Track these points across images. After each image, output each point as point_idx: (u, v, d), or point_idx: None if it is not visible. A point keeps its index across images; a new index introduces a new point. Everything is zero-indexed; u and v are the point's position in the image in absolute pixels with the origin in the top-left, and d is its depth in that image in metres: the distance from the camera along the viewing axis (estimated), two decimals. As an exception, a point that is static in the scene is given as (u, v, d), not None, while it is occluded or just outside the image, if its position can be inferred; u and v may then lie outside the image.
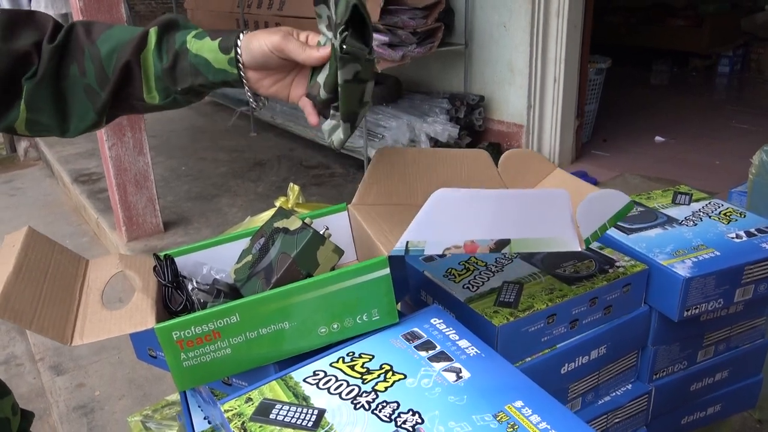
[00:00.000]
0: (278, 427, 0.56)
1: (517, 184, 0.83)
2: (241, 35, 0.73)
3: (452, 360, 0.62)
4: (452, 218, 0.64)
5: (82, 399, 2.14)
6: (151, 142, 3.03)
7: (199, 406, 0.82)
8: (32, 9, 3.41)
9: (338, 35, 0.61)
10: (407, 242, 0.63)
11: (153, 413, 1.51)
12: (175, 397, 1.39)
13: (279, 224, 0.70)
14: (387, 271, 0.64)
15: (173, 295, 0.67)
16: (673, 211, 1.02)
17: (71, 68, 0.74)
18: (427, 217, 0.63)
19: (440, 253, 0.64)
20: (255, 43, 0.72)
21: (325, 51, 0.68)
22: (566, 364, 0.84)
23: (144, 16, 10.47)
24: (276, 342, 0.63)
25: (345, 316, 0.65)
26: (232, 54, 0.72)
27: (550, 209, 0.66)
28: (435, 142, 3.66)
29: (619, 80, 5.19)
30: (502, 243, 0.65)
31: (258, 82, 0.75)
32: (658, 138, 4.20)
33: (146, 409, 1.53)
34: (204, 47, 0.73)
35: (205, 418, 0.80)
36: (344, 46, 0.60)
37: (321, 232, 0.67)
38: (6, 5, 3.39)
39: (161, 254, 0.72)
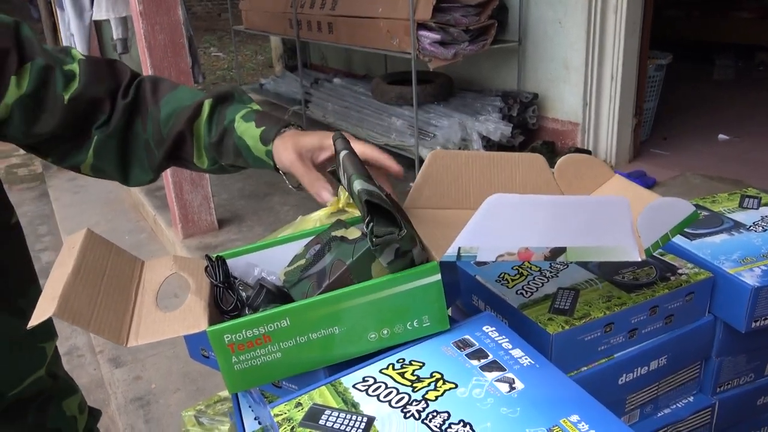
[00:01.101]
0: (327, 434, 0.56)
1: (574, 190, 0.80)
2: (283, 130, 0.75)
3: (505, 370, 0.60)
4: (506, 224, 0.62)
5: (139, 391, 2.20)
6: (206, 141, 3.09)
7: (249, 407, 0.82)
8: (93, 18, 3.54)
9: (366, 227, 0.61)
10: (459, 248, 0.61)
11: (206, 408, 1.54)
12: (228, 393, 1.41)
13: (337, 233, 0.70)
14: (438, 277, 0.63)
15: (224, 295, 0.68)
16: (741, 216, 0.97)
17: (137, 124, 0.79)
18: (480, 222, 0.61)
19: (493, 259, 0.62)
20: (284, 154, 0.74)
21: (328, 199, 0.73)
22: (624, 375, 0.81)
23: (200, 17, 10.73)
24: (326, 347, 0.63)
25: (395, 322, 0.64)
26: (270, 147, 0.75)
27: (609, 217, 0.63)
28: (487, 141, 3.61)
29: (681, 76, 5.01)
30: (558, 251, 0.63)
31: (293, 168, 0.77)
32: (721, 136, 4.03)
33: (199, 404, 1.56)
34: (247, 132, 0.76)
35: (255, 419, 0.81)
36: (374, 239, 0.60)
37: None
38: (70, 11, 3.52)
39: (213, 255, 0.72)
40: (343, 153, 0.68)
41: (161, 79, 0.82)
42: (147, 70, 2.81)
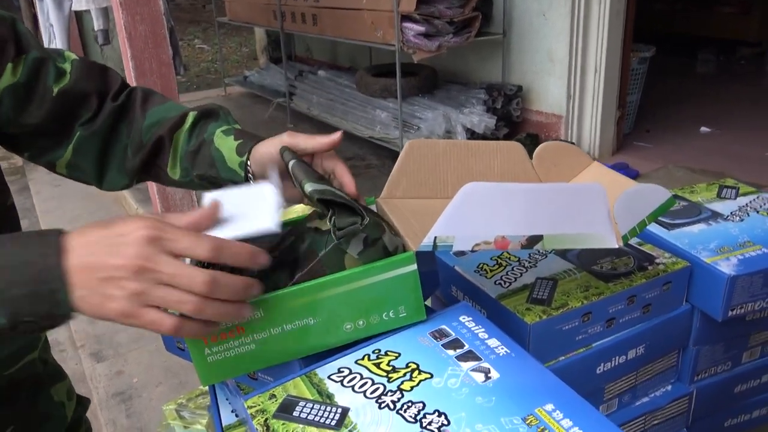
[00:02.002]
0: (301, 425, 0.55)
1: (552, 177, 0.80)
2: (257, 143, 0.75)
3: (481, 360, 0.60)
4: (482, 213, 0.62)
5: (121, 386, 2.19)
6: (188, 133, 3.06)
7: (227, 399, 0.82)
8: (73, 8, 3.49)
9: (329, 222, 0.61)
10: (435, 237, 0.61)
11: (187, 402, 1.53)
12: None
13: (312, 224, 0.69)
14: (414, 267, 0.62)
15: None
16: (718, 206, 0.98)
17: (121, 129, 0.81)
18: (456, 211, 0.61)
19: (469, 249, 0.62)
20: (262, 149, 0.74)
21: (336, 135, 0.72)
22: (602, 364, 0.81)
23: (184, 9, 10.63)
24: (301, 338, 0.62)
25: (371, 313, 0.63)
26: (244, 158, 0.75)
27: (586, 204, 0.63)
28: (471, 133, 3.62)
29: (664, 69, 5.04)
30: (534, 239, 0.62)
31: None
32: (703, 129, 4.07)
33: (181, 398, 1.55)
34: (225, 144, 0.77)
35: (232, 411, 0.80)
36: (337, 231, 0.60)
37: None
38: (49, 1, 3.47)
39: None
40: (291, 163, 0.68)
41: (154, 92, 0.84)
42: (127, 62, 2.77)
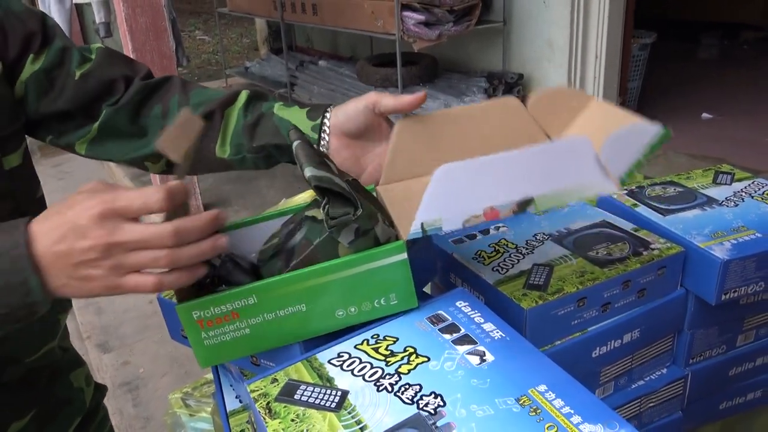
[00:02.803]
0: (302, 408, 0.57)
1: (554, 124, 0.77)
2: (330, 107, 0.77)
3: (476, 343, 0.62)
4: (465, 188, 0.62)
5: (128, 376, 2.22)
6: (190, 125, 3.07)
7: (230, 385, 0.84)
8: (75, 1, 3.49)
9: (322, 210, 0.63)
10: (422, 223, 0.62)
11: (192, 391, 1.55)
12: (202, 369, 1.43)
13: (309, 213, 0.70)
14: (404, 255, 0.64)
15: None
16: (714, 191, 0.99)
17: (155, 108, 0.79)
18: (436, 193, 0.61)
19: (460, 225, 0.63)
20: (351, 105, 0.75)
21: (420, 94, 0.73)
22: (598, 348, 0.83)
23: (185, 0, 10.58)
24: (293, 323, 0.64)
25: (362, 300, 0.65)
26: (318, 122, 0.76)
27: (574, 159, 0.63)
28: (472, 122, 3.61)
29: (665, 55, 5.03)
30: (525, 203, 0.62)
31: (336, 152, 0.77)
32: (705, 115, 4.06)
33: (186, 387, 1.58)
34: (292, 114, 0.77)
35: (236, 397, 0.82)
36: (330, 220, 0.62)
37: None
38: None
39: None
40: (295, 143, 0.69)
41: (193, 83, 0.84)
42: (129, 54, 2.78)
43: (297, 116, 0.77)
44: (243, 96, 0.80)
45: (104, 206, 0.53)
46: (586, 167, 0.63)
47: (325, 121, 0.76)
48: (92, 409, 0.88)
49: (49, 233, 0.53)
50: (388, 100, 0.74)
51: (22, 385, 0.76)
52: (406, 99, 0.74)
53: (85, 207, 0.53)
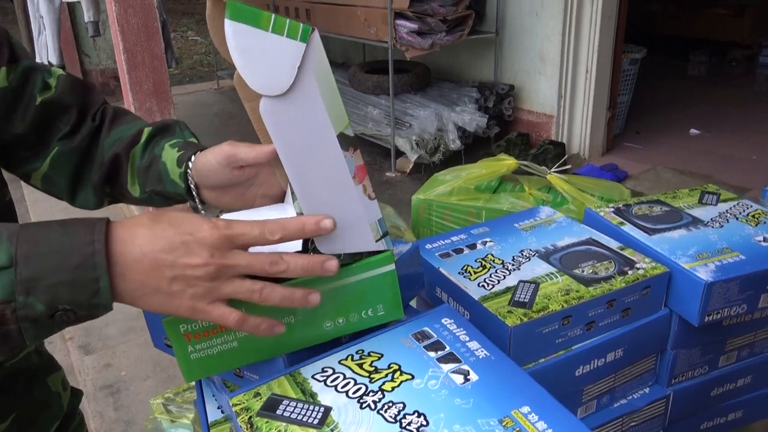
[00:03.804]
0: (284, 424, 0.56)
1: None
2: (192, 157, 0.73)
3: (461, 362, 0.62)
4: None
5: (109, 379, 2.19)
6: (180, 127, 3.06)
7: (213, 395, 0.83)
8: (65, 0, 3.46)
9: (309, 246, 0.64)
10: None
11: (174, 396, 1.54)
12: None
13: None
14: (392, 267, 0.64)
15: None
16: (699, 212, 1.00)
17: (95, 148, 0.81)
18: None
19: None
20: (202, 159, 0.72)
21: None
22: (581, 367, 0.83)
23: (177, 0, 10.55)
24: (282, 335, 0.64)
25: (350, 311, 0.65)
26: (183, 169, 0.74)
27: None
28: (463, 132, 3.63)
29: (655, 70, 5.08)
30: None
31: (218, 200, 0.75)
32: (693, 131, 4.11)
33: (168, 392, 1.56)
34: (169, 156, 0.75)
35: (218, 408, 0.81)
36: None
37: None
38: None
39: None
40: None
41: (126, 111, 0.84)
42: (119, 54, 2.77)
43: (170, 161, 0.75)
44: (145, 133, 0.79)
45: (221, 233, 0.54)
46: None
47: (189, 176, 0.74)
48: (69, 413, 0.88)
49: (155, 240, 0.53)
50: (244, 152, 0.69)
51: (1, 389, 0.75)
52: (265, 149, 0.68)
53: (203, 227, 0.54)
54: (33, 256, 0.51)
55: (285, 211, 0.70)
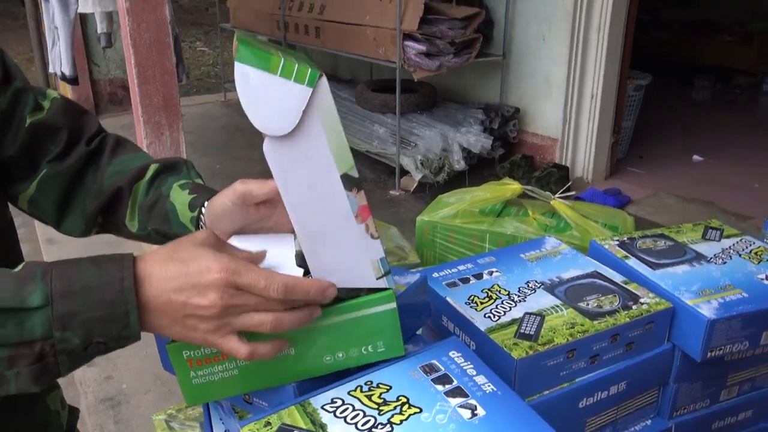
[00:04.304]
0: (294, 453, 0.58)
1: None
2: (205, 204, 0.74)
3: (468, 396, 0.63)
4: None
5: (110, 391, 2.20)
6: (187, 138, 3.09)
7: (220, 419, 0.84)
8: (79, 11, 3.51)
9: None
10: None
11: (177, 413, 1.54)
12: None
13: (299, 248, 0.71)
14: (393, 305, 0.65)
15: None
16: (703, 247, 1.01)
17: (88, 174, 0.80)
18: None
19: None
20: (216, 202, 0.72)
21: None
22: (585, 399, 0.84)
23: (187, 10, 10.65)
24: (281, 366, 0.65)
25: (350, 347, 0.66)
26: (195, 213, 0.75)
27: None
28: (468, 153, 3.66)
29: (660, 95, 5.11)
30: None
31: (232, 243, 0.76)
32: (696, 157, 4.13)
33: (170, 408, 1.56)
34: (179, 198, 0.76)
35: (226, 431, 0.82)
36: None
37: None
38: (55, 3, 3.49)
39: None
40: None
41: (127, 141, 0.84)
42: (131, 68, 2.80)
43: (181, 203, 0.76)
44: (151, 170, 0.79)
45: (229, 278, 0.56)
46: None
47: (201, 221, 0.74)
48: (68, 431, 0.88)
49: (168, 280, 0.56)
50: (257, 188, 0.69)
51: (6, 409, 0.76)
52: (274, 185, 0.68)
53: (211, 269, 0.56)
54: (68, 294, 0.54)
55: (285, 244, 0.70)
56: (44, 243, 3.27)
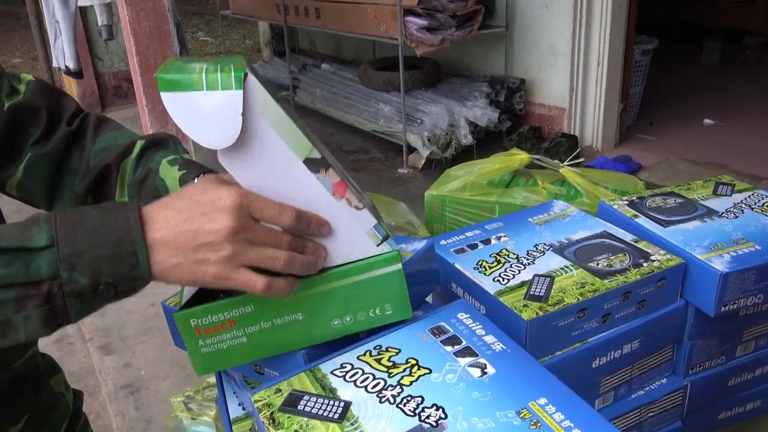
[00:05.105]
0: (305, 419, 0.58)
1: None
2: (203, 175, 0.74)
3: (478, 356, 0.62)
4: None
5: (129, 378, 2.22)
6: (193, 128, 3.07)
7: (234, 393, 0.84)
8: (79, 4, 3.50)
9: None
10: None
11: (195, 394, 1.56)
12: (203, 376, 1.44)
13: None
14: (399, 266, 0.65)
15: None
16: (714, 203, 1.00)
17: (73, 154, 0.80)
18: None
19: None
20: (214, 177, 0.71)
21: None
22: (598, 359, 0.84)
23: (187, 1, 10.61)
24: (289, 332, 0.65)
25: (358, 310, 0.66)
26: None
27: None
28: (474, 127, 3.63)
29: (668, 60, 5.03)
30: None
31: None
32: (706, 121, 4.07)
33: (188, 390, 1.58)
34: (169, 174, 0.76)
35: (239, 404, 0.83)
36: None
37: None
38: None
39: None
40: None
41: (109, 119, 0.84)
42: (132, 58, 2.80)
43: (171, 179, 0.76)
44: (138, 146, 0.79)
45: (242, 199, 0.57)
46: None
47: None
48: (74, 414, 0.89)
49: (177, 213, 0.56)
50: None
51: (12, 391, 0.77)
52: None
53: (221, 197, 0.56)
54: (73, 234, 0.54)
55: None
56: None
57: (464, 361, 0.62)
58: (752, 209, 0.97)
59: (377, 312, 0.66)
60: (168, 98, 0.57)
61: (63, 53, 3.73)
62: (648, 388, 0.93)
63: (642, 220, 0.96)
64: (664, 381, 0.94)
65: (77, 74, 3.86)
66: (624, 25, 3.47)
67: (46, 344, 2.39)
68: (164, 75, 0.57)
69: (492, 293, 0.82)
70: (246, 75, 0.57)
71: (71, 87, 5.40)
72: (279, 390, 0.62)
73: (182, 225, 0.56)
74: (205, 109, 0.57)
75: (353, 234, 0.63)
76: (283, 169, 0.60)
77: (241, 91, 0.57)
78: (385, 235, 0.64)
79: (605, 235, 0.93)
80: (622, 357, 0.86)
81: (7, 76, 0.78)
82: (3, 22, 9.99)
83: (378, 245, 0.64)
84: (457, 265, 0.89)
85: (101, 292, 0.55)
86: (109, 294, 0.55)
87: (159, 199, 0.59)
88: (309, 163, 0.60)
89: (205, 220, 0.56)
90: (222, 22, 6.20)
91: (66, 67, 3.79)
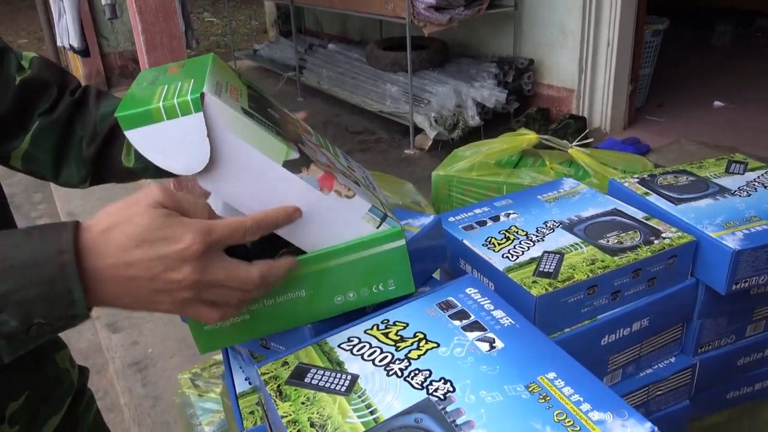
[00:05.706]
0: (312, 391, 0.57)
1: None
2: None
3: (486, 330, 0.62)
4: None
5: (137, 356, 2.24)
6: (199, 107, 3.07)
7: (240, 368, 0.84)
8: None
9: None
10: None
11: (201, 371, 1.57)
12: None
13: None
14: (402, 242, 0.64)
15: None
16: (726, 181, 0.98)
17: (77, 122, 0.81)
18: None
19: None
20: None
21: None
22: (607, 336, 0.83)
23: (194, -18, 10.49)
24: (292, 309, 0.65)
25: (360, 286, 0.65)
26: None
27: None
28: (482, 107, 3.60)
29: (679, 41, 4.96)
30: None
31: None
32: (717, 103, 4.02)
33: (195, 368, 1.59)
34: None
35: (246, 379, 0.83)
36: None
37: None
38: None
39: None
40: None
41: (106, 91, 0.85)
42: (138, 35, 2.78)
43: None
44: None
45: (206, 245, 0.52)
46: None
47: None
48: (79, 390, 0.89)
49: (126, 246, 0.51)
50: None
51: (12, 367, 0.76)
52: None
53: (186, 240, 0.51)
54: (0, 271, 0.48)
55: None
56: (65, 217, 3.30)
57: (472, 335, 0.61)
58: (765, 187, 0.96)
59: (380, 288, 0.66)
60: (133, 135, 0.57)
61: (67, 31, 3.71)
62: (656, 366, 0.92)
63: (653, 198, 0.95)
64: (672, 359, 0.93)
65: (83, 53, 3.85)
66: (635, 5, 3.41)
67: (53, 322, 2.40)
68: (123, 113, 0.56)
69: (501, 269, 0.81)
70: (203, 95, 0.56)
71: (77, 67, 5.38)
72: (286, 363, 0.61)
73: (135, 266, 0.51)
74: (171, 138, 0.57)
75: (350, 223, 0.63)
76: (264, 177, 0.60)
77: (201, 113, 0.56)
78: (383, 215, 0.64)
79: (616, 212, 0.92)
80: (632, 335, 0.85)
81: (15, 53, 0.79)
82: (9, 2, 9.95)
83: (378, 227, 0.64)
84: (465, 242, 0.88)
85: (34, 332, 0.50)
86: (44, 332, 0.51)
87: (104, 213, 0.53)
88: (288, 165, 0.60)
89: (163, 268, 0.51)
90: (228, 2, 6.15)
91: (71, 45, 3.77)
